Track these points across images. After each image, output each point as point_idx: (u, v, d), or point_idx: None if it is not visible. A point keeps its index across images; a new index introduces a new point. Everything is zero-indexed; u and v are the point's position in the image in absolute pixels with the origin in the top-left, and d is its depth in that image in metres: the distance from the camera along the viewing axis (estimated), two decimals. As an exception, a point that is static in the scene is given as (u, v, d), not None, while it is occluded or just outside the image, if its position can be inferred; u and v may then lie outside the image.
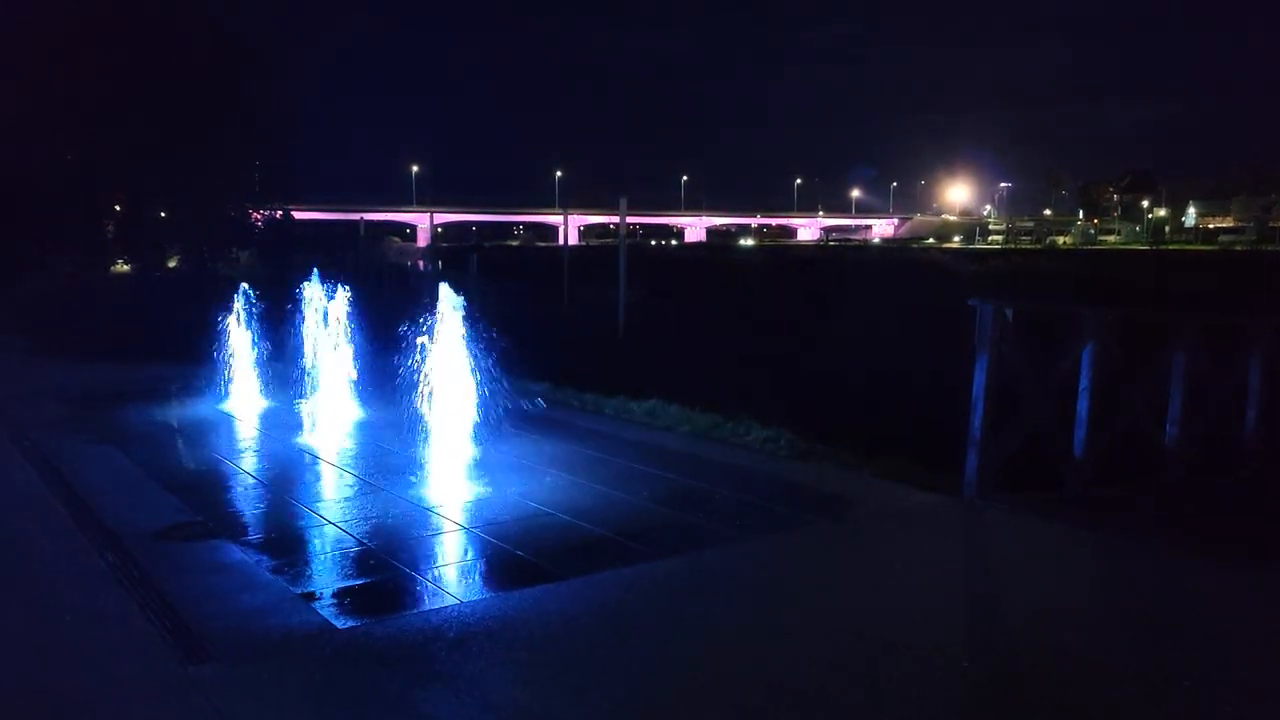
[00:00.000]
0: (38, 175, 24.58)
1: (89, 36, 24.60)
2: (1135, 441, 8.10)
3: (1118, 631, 4.68)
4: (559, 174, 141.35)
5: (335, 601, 5.08)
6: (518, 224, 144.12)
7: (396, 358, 8.50)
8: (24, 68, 24.74)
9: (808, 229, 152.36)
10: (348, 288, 10.44)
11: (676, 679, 4.07)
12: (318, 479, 7.88)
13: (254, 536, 6.29)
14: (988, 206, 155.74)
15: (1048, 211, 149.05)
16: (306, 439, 9.22)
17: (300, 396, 10.31)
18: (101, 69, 24.29)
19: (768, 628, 4.60)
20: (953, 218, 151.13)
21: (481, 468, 8.03)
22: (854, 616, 4.73)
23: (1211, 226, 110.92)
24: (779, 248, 79.84)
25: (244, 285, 11.65)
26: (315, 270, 10.70)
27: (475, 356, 8.08)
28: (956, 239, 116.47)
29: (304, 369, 10.30)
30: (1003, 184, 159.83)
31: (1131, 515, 7.03)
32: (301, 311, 10.47)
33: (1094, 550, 6.01)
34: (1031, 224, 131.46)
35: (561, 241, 48.20)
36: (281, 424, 9.88)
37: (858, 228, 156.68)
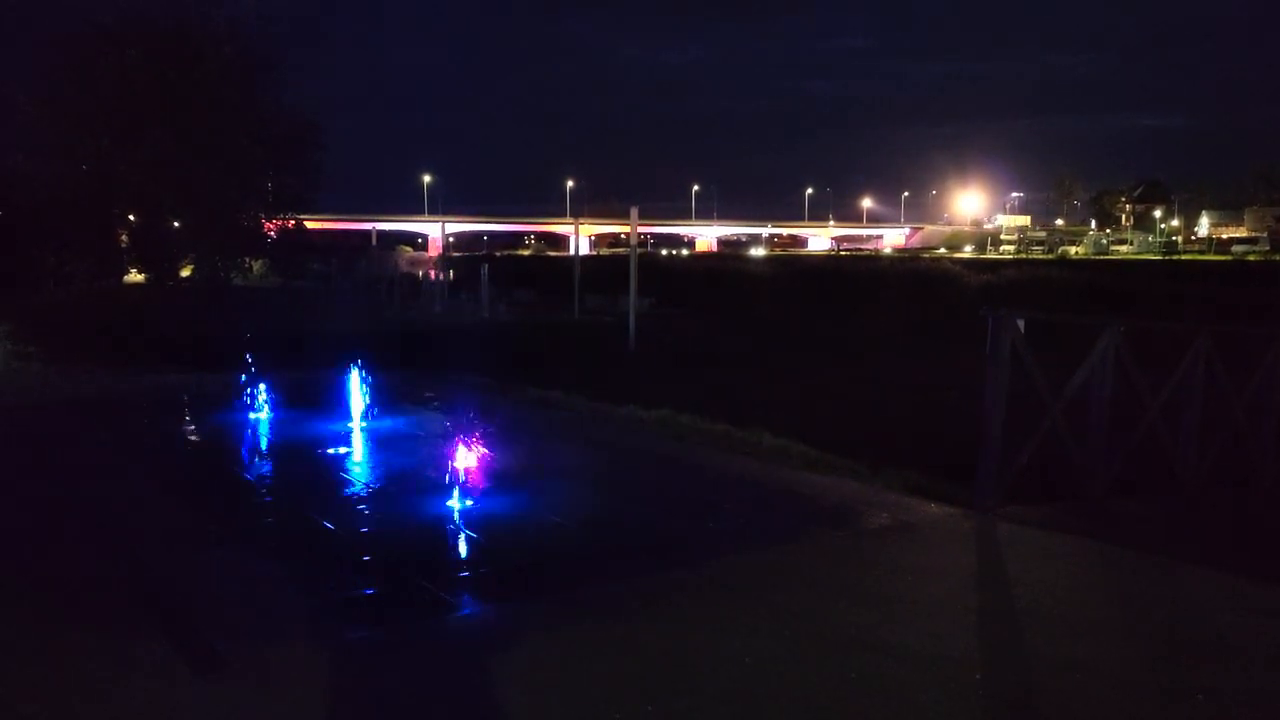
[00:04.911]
0: (57, 188, 24.80)
1: (107, 53, 24.83)
2: (1151, 453, 8.07)
3: (1132, 644, 4.66)
4: (570, 184, 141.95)
5: (343, 609, 5.08)
6: (529, 233, 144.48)
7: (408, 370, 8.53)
8: (43, 85, 25.02)
9: (819, 238, 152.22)
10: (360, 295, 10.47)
11: (686, 689, 4.06)
12: (323, 485, 7.85)
13: (260, 542, 6.28)
14: (999, 216, 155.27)
15: (1060, 221, 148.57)
16: (323, 448, 9.22)
17: (316, 408, 10.36)
18: (120, 84, 24.52)
19: (776, 638, 4.59)
20: (964, 227, 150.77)
21: (492, 477, 8.04)
22: (863, 627, 4.71)
23: (1225, 236, 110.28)
24: (789, 257, 79.69)
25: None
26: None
27: (483, 367, 8.10)
28: (968, 248, 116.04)
29: (319, 383, 10.33)
30: (1014, 194, 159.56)
31: (1147, 527, 7.00)
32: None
33: (1108, 562, 5.98)
34: (1044, 234, 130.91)
35: (573, 251, 48.24)
36: (294, 432, 9.91)
37: (869, 237, 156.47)
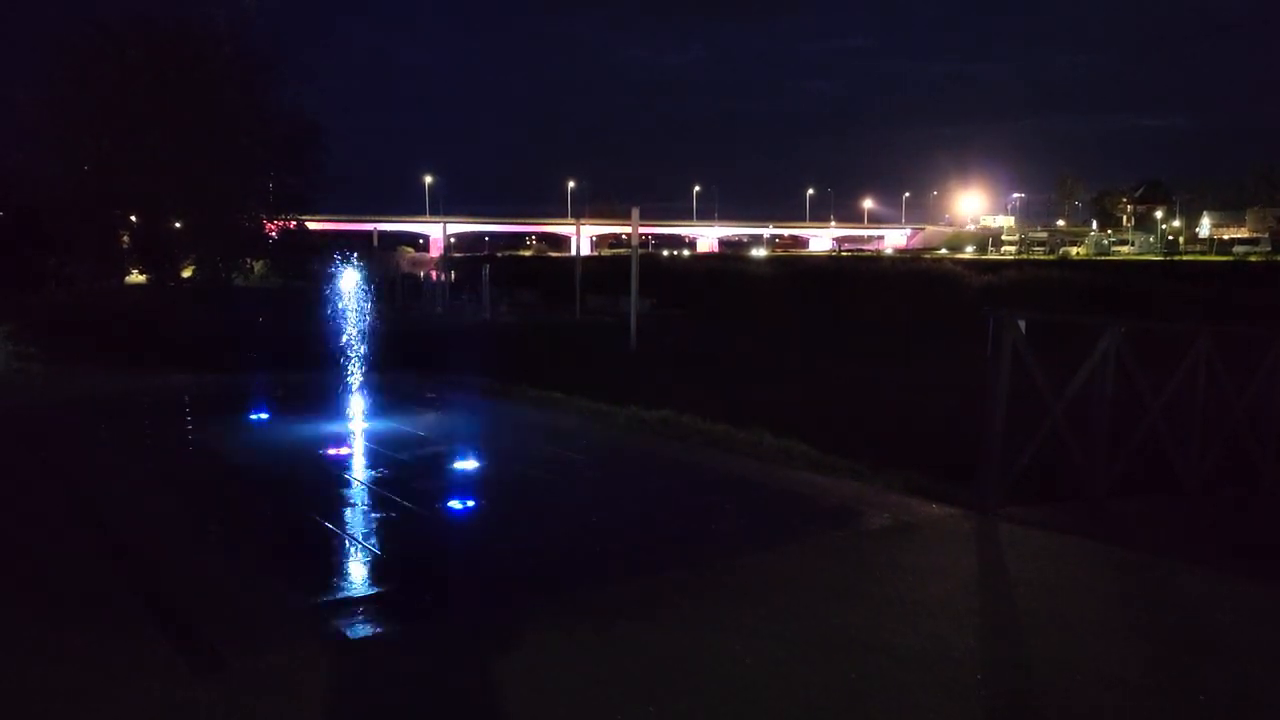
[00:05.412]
0: (57, 189, 24.82)
1: (108, 53, 24.84)
2: (1151, 453, 8.07)
3: (1132, 645, 4.65)
4: (571, 184, 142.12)
5: (344, 609, 5.08)
6: (530, 234, 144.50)
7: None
8: (43, 85, 25.04)
9: (820, 239, 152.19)
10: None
11: (687, 690, 4.06)
12: (323, 486, 7.84)
13: (260, 541, 6.28)
14: (1000, 216, 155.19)
15: (1061, 222, 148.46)
16: (324, 449, 9.21)
17: (317, 409, 10.36)
18: (120, 84, 24.52)
19: (777, 638, 4.59)
20: (966, 228, 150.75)
21: (493, 477, 8.06)
22: (864, 628, 4.71)
23: (1226, 237, 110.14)
24: (790, 258, 79.62)
25: None
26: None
27: (484, 368, 8.11)
28: (969, 249, 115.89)
29: (320, 384, 10.33)
30: (1015, 194, 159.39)
31: (1147, 528, 6.99)
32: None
33: (1109, 563, 5.97)
34: (1045, 235, 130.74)
35: (574, 252, 48.26)
36: (295, 433, 9.91)
37: (870, 238, 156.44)
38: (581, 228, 51.72)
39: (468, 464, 8.44)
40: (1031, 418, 7.21)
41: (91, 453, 9.11)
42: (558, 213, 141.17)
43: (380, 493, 7.59)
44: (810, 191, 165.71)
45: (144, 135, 24.71)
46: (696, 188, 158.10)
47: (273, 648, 4.45)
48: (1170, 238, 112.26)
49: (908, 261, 49.70)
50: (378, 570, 5.78)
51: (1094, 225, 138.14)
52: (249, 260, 29.34)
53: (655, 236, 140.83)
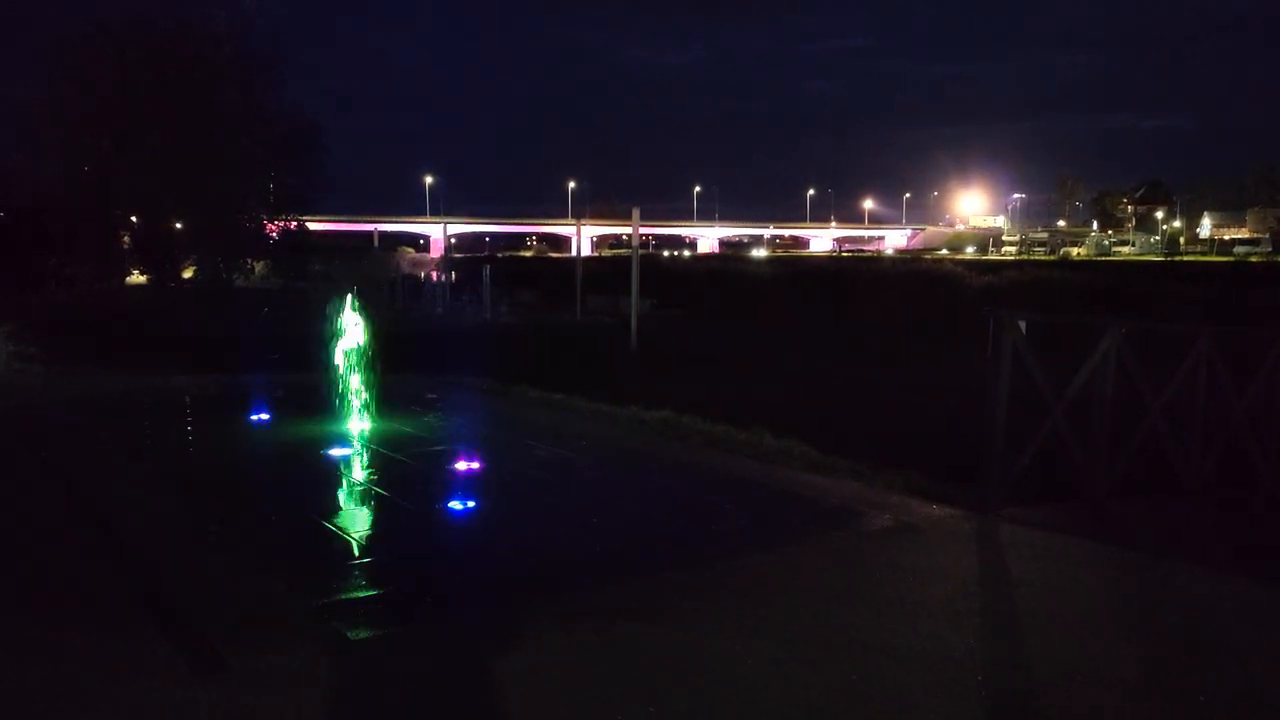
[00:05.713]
0: (58, 189, 24.85)
1: (108, 53, 24.88)
2: (1152, 454, 8.07)
3: (1133, 645, 4.65)
4: (572, 185, 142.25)
5: (344, 609, 5.08)
6: (530, 235, 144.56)
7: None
8: (44, 85, 25.08)
9: (820, 240, 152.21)
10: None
11: (688, 690, 4.06)
12: (324, 486, 7.82)
13: (260, 541, 6.28)
14: (1000, 216, 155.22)
15: (1061, 222, 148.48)
16: (324, 449, 9.20)
17: (318, 410, 10.34)
18: (120, 84, 24.56)
19: (778, 639, 4.58)
20: (966, 228, 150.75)
21: (493, 478, 8.05)
22: (865, 628, 4.71)
23: (1227, 238, 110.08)
24: (791, 258, 79.63)
25: None
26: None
27: (484, 369, 8.10)
28: (970, 250, 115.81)
29: (321, 385, 10.33)
30: (1016, 195, 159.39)
31: (1148, 528, 6.99)
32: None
33: (1109, 563, 5.97)
34: (1045, 235, 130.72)
35: (574, 252, 48.24)
36: (295, 433, 9.90)
37: (871, 238, 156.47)
38: (582, 228, 51.71)
39: (468, 465, 8.44)
40: (1032, 418, 7.21)
41: (91, 453, 9.11)
42: (558, 213, 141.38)
43: (380, 493, 7.58)
44: (810, 192, 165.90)
45: (144, 135, 24.74)
46: (697, 188, 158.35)
47: (273, 648, 4.45)
48: (1171, 238, 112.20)
49: (908, 262, 49.61)
50: (378, 570, 5.77)
51: (1094, 226, 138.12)
52: (249, 261, 29.38)
53: (656, 237, 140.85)
